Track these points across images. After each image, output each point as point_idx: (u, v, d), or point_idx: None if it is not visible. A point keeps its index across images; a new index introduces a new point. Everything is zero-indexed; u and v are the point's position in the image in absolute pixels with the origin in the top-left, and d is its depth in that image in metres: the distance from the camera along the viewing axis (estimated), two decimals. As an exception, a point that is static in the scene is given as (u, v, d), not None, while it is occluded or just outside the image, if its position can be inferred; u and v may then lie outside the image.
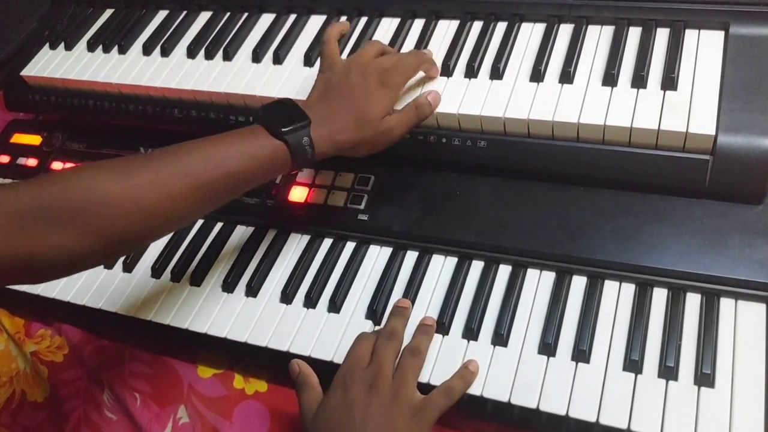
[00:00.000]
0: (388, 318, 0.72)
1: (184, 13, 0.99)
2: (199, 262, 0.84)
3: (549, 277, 0.73)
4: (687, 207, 0.71)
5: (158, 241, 0.88)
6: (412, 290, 0.75)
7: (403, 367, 0.67)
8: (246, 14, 0.95)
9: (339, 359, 0.70)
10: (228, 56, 0.90)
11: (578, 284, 0.71)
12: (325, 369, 0.69)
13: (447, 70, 0.80)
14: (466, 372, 0.67)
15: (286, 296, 0.78)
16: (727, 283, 0.66)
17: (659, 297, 0.68)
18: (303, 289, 0.78)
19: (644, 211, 0.72)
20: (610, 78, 0.73)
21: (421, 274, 0.76)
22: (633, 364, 0.65)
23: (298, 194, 0.85)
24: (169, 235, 0.88)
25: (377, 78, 0.72)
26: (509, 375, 0.67)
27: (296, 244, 0.83)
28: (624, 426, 0.62)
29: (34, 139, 1.03)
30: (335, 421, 0.64)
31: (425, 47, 0.84)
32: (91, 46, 0.98)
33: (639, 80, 0.72)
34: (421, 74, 0.78)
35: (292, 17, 0.93)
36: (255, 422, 0.76)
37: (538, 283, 0.72)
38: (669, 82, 0.71)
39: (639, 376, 0.64)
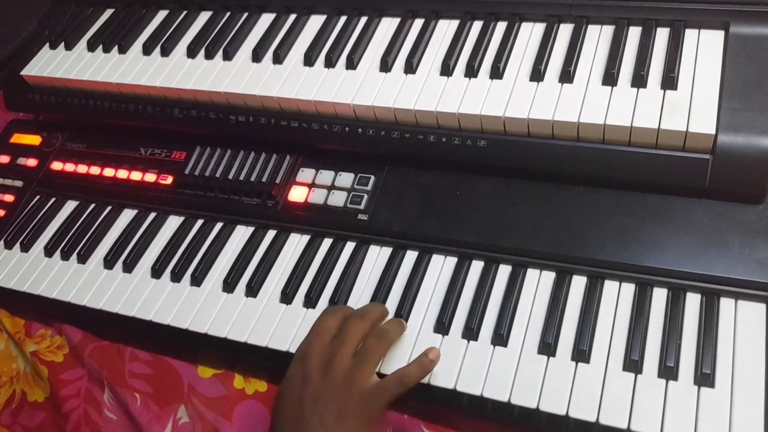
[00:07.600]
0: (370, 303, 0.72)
1: (184, 13, 0.99)
2: (199, 262, 0.84)
3: (549, 277, 0.72)
4: (687, 207, 0.71)
5: (158, 240, 0.88)
6: (411, 290, 0.75)
7: (366, 349, 0.66)
8: (246, 14, 0.95)
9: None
10: (228, 56, 0.90)
11: (578, 284, 0.71)
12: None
13: (447, 70, 0.80)
14: (425, 360, 0.66)
15: (286, 296, 0.78)
16: (727, 283, 0.66)
17: (659, 297, 0.68)
18: (303, 289, 0.78)
19: (644, 211, 0.72)
20: (610, 77, 0.73)
21: (421, 274, 0.76)
22: (633, 364, 0.64)
23: (298, 194, 0.85)
24: (169, 235, 0.88)
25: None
26: (509, 375, 0.67)
27: (296, 244, 0.83)
28: (624, 426, 0.62)
29: (34, 139, 1.03)
30: (288, 397, 0.65)
31: (425, 47, 0.83)
32: (91, 46, 0.98)
33: (639, 80, 0.72)
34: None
35: (292, 17, 0.92)
36: (255, 422, 0.76)
37: (538, 283, 0.72)
38: (669, 81, 0.71)
39: (639, 376, 0.64)
